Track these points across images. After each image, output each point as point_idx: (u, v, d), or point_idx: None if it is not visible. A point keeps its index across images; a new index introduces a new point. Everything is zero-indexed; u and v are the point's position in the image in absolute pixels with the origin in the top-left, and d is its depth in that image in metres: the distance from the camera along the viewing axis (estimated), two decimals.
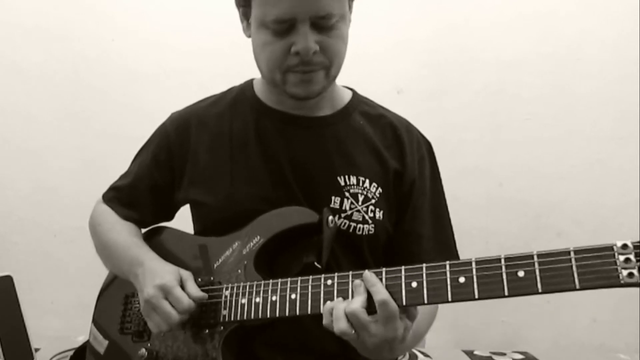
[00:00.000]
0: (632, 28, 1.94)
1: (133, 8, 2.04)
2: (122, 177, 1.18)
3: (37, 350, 1.50)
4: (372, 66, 1.91)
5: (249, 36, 1.00)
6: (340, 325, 0.78)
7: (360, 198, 1.00)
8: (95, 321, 1.14)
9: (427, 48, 2.04)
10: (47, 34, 2.03)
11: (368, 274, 0.81)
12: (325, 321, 0.81)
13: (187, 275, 0.95)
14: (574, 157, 2.03)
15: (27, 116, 2.04)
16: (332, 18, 0.91)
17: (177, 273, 0.95)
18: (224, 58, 1.99)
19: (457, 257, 1.09)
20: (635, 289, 0.66)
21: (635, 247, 0.66)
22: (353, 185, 1.01)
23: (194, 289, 0.93)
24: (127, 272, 1.04)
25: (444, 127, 1.97)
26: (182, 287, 0.93)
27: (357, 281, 0.81)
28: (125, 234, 1.09)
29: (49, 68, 2.04)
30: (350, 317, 0.78)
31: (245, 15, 0.99)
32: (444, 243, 1.08)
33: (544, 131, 2.03)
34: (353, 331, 0.78)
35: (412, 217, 1.05)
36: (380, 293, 0.78)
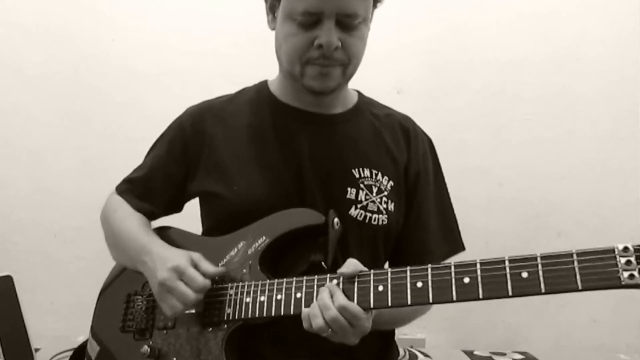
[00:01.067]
0: (632, 28, 1.94)
1: (133, 8, 2.04)
2: (136, 170, 1.19)
3: (37, 350, 1.50)
4: (372, 66, 1.90)
5: (273, 29, 1.04)
6: (317, 321, 0.82)
7: (374, 190, 1.04)
8: (94, 319, 1.15)
9: (427, 48, 2.04)
10: (47, 34, 2.03)
11: (330, 285, 0.85)
12: (305, 324, 0.84)
13: (198, 257, 0.97)
14: (574, 157, 2.03)
15: (27, 116, 2.04)
16: (356, 18, 0.96)
17: (187, 255, 0.96)
18: (224, 58, 1.99)
19: (462, 246, 1.13)
20: (635, 290, 0.67)
21: (635, 249, 0.67)
22: (367, 177, 1.04)
23: (209, 266, 0.95)
24: (135, 259, 1.05)
25: (444, 127, 1.97)
26: (196, 267, 0.95)
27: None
28: (136, 224, 1.11)
29: (49, 68, 2.04)
30: (342, 312, 0.81)
31: (272, 9, 1.03)
32: (449, 232, 1.12)
33: (544, 131, 2.03)
34: (330, 329, 0.82)
35: (417, 209, 1.09)
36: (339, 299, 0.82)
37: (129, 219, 1.12)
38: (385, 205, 1.04)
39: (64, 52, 2.04)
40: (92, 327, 1.15)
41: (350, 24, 0.96)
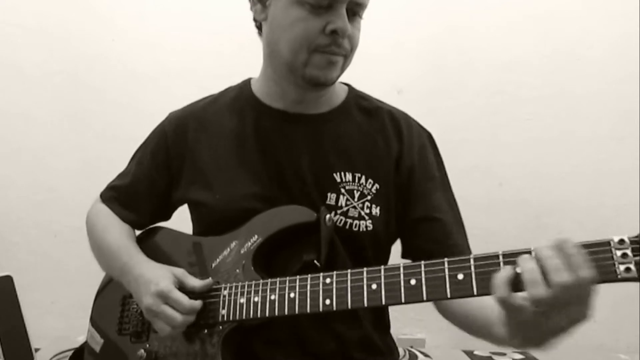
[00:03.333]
0: (633, 28, 1.94)
1: (133, 8, 2.04)
2: (120, 176, 1.18)
3: (37, 350, 1.50)
4: (372, 66, 1.91)
5: (263, 19, 0.99)
6: (539, 290, 0.65)
7: (356, 194, 1.00)
8: (92, 320, 1.14)
9: (427, 48, 2.04)
10: (47, 34, 2.03)
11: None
12: (500, 293, 0.68)
13: (181, 273, 0.95)
14: (574, 157, 2.03)
15: (27, 116, 2.04)
16: (363, 8, 0.95)
17: (170, 276, 0.94)
18: (224, 58, 1.99)
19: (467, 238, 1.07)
20: (635, 288, 0.66)
21: (632, 242, 0.65)
22: (349, 181, 1.01)
23: (195, 282, 0.94)
24: (119, 277, 1.04)
25: (444, 127, 1.95)
26: (181, 285, 0.93)
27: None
28: (117, 237, 1.08)
29: (49, 68, 2.04)
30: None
31: None
32: (461, 225, 1.07)
33: (544, 131, 2.03)
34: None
35: (425, 204, 1.03)
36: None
37: (110, 231, 1.10)
38: (368, 210, 1.00)
39: (64, 52, 2.04)
40: (92, 319, 1.14)
41: (358, 12, 0.94)
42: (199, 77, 1.98)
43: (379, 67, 1.97)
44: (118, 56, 2.04)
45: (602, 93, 2.01)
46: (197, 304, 0.91)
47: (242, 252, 0.97)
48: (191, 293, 0.93)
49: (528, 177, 2.03)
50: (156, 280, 0.93)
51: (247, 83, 1.12)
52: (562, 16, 2.01)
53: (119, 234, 1.09)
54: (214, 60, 2.01)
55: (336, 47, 0.93)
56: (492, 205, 2.03)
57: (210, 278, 0.95)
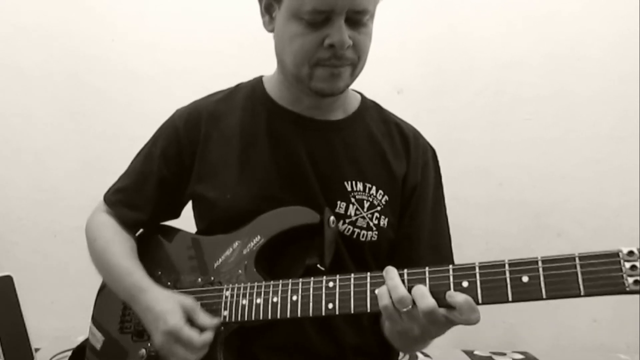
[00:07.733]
0: (633, 28, 1.94)
1: (133, 9, 2.04)
2: (123, 177, 1.14)
3: (37, 350, 1.50)
4: (372, 66, 1.90)
5: (271, 30, 0.99)
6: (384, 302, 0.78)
7: (366, 205, 1.00)
8: (94, 319, 1.14)
9: (427, 48, 2.04)
10: (47, 34, 2.03)
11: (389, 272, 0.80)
12: (384, 302, 0.78)
13: (191, 307, 0.92)
14: (574, 157, 2.03)
15: (27, 116, 2.04)
16: (366, 14, 0.91)
17: (180, 310, 0.90)
18: (224, 58, 1.99)
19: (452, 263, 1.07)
20: None
21: None
22: (359, 191, 1.00)
23: (205, 319, 0.91)
24: (124, 300, 1.02)
25: (444, 127, 1.97)
26: (192, 320, 0.90)
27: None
28: (119, 256, 1.04)
29: (49, 68, 2.04)
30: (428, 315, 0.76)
31: (268, 10, 0.98)
32: (440, 250, 1.06)
33: (544, 131, 2.02)
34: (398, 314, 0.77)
35: (411, 223, 1.04)
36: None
37: (112, 249, 1.05)
38: (376, 221, 0.99)
39: (64, 52, 2.04)
40: (93, 317, 1.13)
41: (360, 20, 0.91)
42: (199, 77, 1.97)
43: (379, 67, 1.95)
44: (118, 56, 2.04)
45: (602, 93, 2.01)
46: (209, 338, 0.89)
47: (244, 252, 0.97)
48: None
49: (528, 177, 2.03)
50: (164, 317, 0.89)
51: (259, 81, 1.10)
52: (562, 16, 2.01)
53: (122, 253, 1.05)
54: (214, 60, 2.01)
55: (337, 60, 0.92)
56: (492, 205, 2.03)
57: (220, 319, 0.93)
